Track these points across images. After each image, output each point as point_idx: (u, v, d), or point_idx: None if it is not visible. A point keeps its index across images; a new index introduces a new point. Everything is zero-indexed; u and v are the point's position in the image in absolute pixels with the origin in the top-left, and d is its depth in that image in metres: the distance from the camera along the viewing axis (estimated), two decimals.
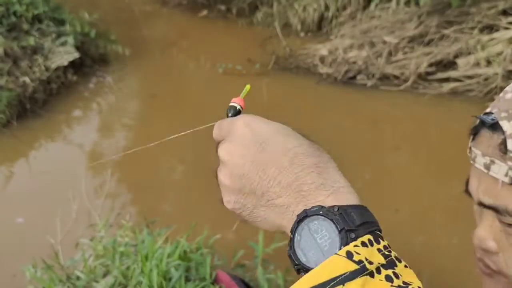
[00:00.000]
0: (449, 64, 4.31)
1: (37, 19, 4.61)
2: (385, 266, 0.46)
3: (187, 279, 1.76)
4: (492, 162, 0.62)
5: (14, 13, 4.49)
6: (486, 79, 4.03)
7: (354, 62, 4.50)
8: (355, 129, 3.91)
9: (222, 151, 0.54)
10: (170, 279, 1.72)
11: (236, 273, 1.95)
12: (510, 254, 0.63)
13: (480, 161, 0.64)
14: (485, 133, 0.64)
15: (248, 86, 0.66)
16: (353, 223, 0.47)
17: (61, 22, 4.77)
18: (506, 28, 4.15)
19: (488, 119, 0.63)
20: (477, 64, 4.12)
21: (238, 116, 0.57)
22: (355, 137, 3.77)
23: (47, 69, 4.26)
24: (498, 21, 4.23)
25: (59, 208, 2.39)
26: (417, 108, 4.07)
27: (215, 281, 1.78)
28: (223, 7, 6.36)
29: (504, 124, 0.61)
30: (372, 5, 5.07)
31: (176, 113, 4.19)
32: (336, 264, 0.44)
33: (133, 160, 3.59)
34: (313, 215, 0.47)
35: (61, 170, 3.49)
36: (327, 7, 5.35)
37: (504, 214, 0.62)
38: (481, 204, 0.66)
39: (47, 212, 2.78)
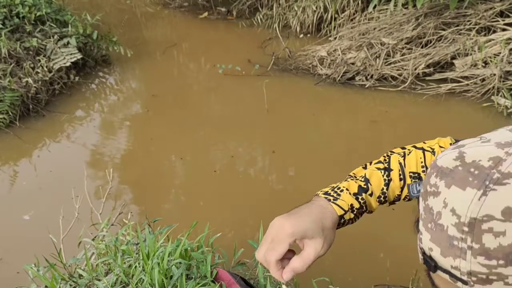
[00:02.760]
0: (447, 65, 4.34)
1: (39, 20, 4.64)
2: None
3: (188, 277, 1.76)
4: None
5: (17, 15, 4.52)
6: (483, 80, 4.05)
7: (353, 63, 4.53)
8: (354, 129, 3.94)
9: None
10: (171, 277, 1.72)
11: (236, 271, 1.95)
12: None
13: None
14: None
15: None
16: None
17: (63, 24, 4.81)
18: (503, 29, 4.18)
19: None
20: (474, 65, 4.14)
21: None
22: (353, 137, 3.79)
23: (49, 70, 4.29)
24: (495, 22, 4.26)
25: (62, 207, 2.42)
26: (415, 109, 4.09)
27: (215, 279, 1.78)
28: (223, 9, 6.40)
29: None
30: (371, 7, 5.10)
31: (177, 113, 4.23)
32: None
33: (134, 160, 3.63)
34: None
35: (63, 169, 3.52)
36: (326, 9, 5.38)
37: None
38: None
39: (50, 211, 2.81)
